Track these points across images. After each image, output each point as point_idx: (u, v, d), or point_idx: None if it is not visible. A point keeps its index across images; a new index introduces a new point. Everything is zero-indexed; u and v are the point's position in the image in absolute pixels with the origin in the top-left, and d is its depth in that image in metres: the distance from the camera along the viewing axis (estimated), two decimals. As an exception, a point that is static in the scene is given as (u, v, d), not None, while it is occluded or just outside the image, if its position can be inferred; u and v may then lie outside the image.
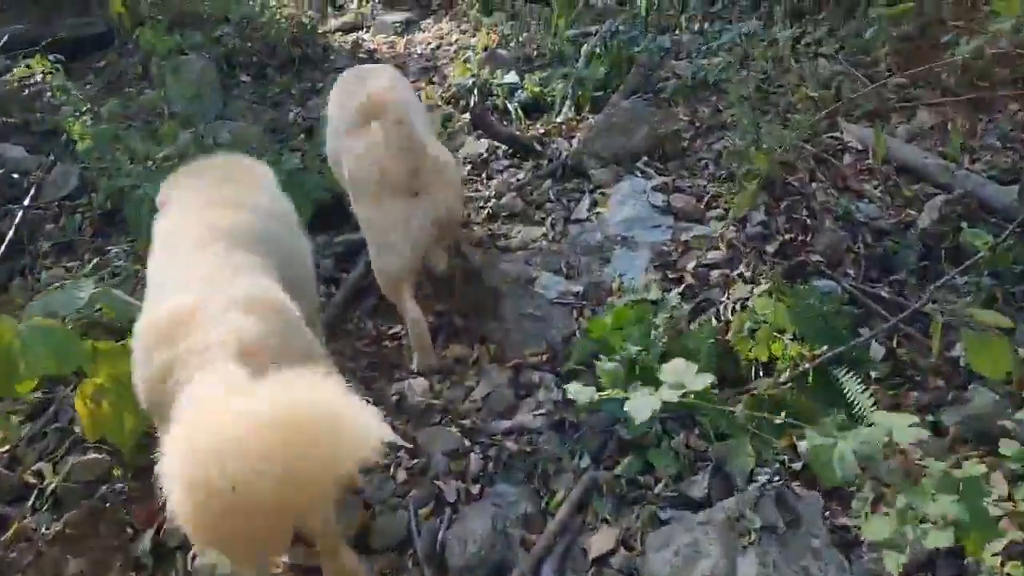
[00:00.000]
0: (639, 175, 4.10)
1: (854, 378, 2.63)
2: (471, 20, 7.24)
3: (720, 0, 6.00)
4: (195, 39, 6.72)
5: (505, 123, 5.06)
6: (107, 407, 2.65)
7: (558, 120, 4.76)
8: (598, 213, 3.89)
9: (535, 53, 6.03)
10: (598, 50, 5.20)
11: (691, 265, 3.43)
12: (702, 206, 3.79)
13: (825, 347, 2.72)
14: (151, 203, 4.02)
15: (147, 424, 2.72)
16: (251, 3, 7.36)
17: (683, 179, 4.01)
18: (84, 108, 5.14)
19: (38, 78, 5.46)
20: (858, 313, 3.02)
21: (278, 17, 7.45)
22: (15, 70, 5.57)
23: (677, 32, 5.85)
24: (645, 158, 4.20)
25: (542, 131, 4.73)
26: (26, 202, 4.87)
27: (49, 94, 5.57)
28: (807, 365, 2.70)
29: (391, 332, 3.58)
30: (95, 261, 4.23)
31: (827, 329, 2.81)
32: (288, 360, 1.82)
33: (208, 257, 2.26)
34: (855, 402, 2.58)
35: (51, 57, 5.31)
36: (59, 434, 3.11)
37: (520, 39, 6.25)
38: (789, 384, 2.68)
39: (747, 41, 5.12)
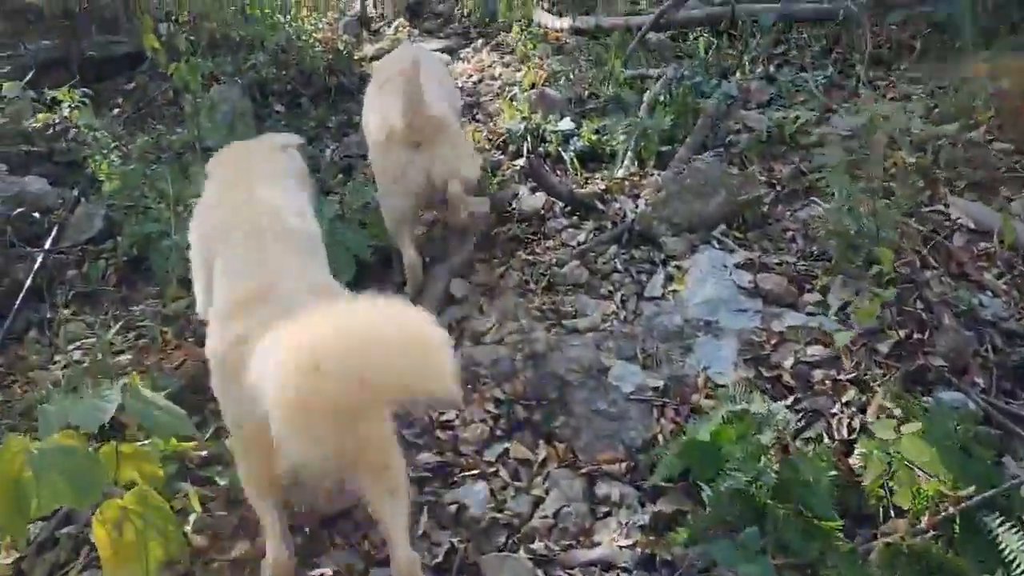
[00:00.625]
0: (717, 246, 3.67)
1: (1012, 530, 2.19)
2: (515, 52, 6.82)
3: (786, 41, 5.56)
4: (228, 66, 6.35)
5: (559, 174, 4.64)
6: (131, 535, 2.23)
7: (620, 175, 4.33)
8: (674, 291, 3.45)
9: (586, 93, 5.61)
10: (662, 97, 4.77)
11: (789, 362, 2.99)
12: (794, 288, 3.34)
13: (971, 487, 2.29)
14: (180, 252, 3.66)
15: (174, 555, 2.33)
16: (287, 28, 6.98)
17: (768, 254, 3.57)
18: (112, 145, 4.73)
19: (65, 112, 5.06)
20: (995, 435, 2.58)
21: (312, 42, 7.08)
22: (39, 115, 5.18)
23: (740, 74, 5.42)
24: (723, 227, 3.77)
25: (603, 186, 4.29)
26: (47, 245, 4.47)
27: (75, 130, 5.17)
28: (951, 509, 2.26)
29: (445, 420, 3.15)
30: (119, 323, 3.82)
31: (970, 462, 2.37)
32: None
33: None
34: (1016, 562, 2.14)
35: (79, 92, 4.91)
36: (72, 542, 2.69)
37: (570, 76, 5.82)
38: (931, 534, 2.24)
39: (823, 89, 4.68)
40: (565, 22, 6.99)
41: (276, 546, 2.23)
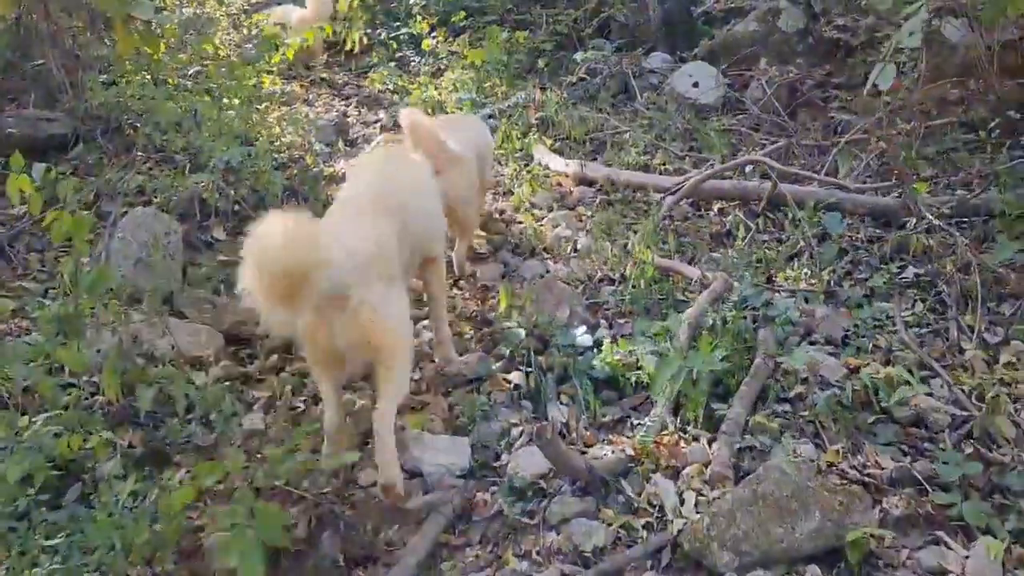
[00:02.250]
0: (808, 601, 2.34)
1: None
2: (512, 198, 5.55)
3: (856, 250, 4.35)
4: (160, 182, 4.95)
5: (565, 403, 3.32)
6: None
7: (651, 438, 2.98)
8: None
9: (599, 273, 4.33)
10: (712, 320, 3.48)
11: None
12: None
13: None
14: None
15: None
16: (244, 135, 5.63)
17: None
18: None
19: None
20: None
21: (273, 149, 5.75)
22: None
23: (785, 275, 4.20)
24: (815, 568, 2.44)
25: (630, 450, 2.95)
26: None
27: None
28: None
29: None
30: None
31: None
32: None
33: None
34: None
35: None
36: None
37: (589, 258, 4.53)
38: None
39: (915, 337, 3.45)
40: (572, 166, 5.77)
41: (332, 412, 3.01)
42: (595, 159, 6.15)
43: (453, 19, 8.61)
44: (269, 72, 7.59)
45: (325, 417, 3.01)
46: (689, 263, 4.50)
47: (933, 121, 5.48)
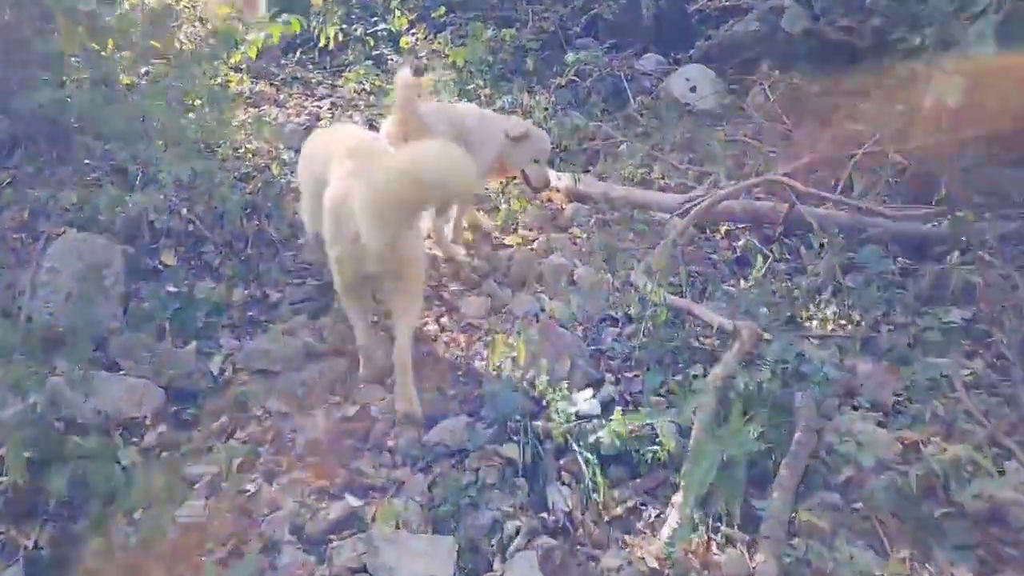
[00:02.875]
0: None
1: None
2: (498, 215, 4.93)
3: (888, 286, 3.77)
4: (103, 198, 4.25)
5: (567, 482, 2.72)
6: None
7: (673, 547, 2.38)
8: None
9: (601, 311, 3.73)
10: (744, 384, 2.87)
11: None
12: None
13: None
14: None
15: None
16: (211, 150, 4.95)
17: None
18: None
19: None
20: None
21: (241, 154, 5.08)
22: None
23: (808, 311, 3.63)
24: None
25: (653, 561, 2.36)
26: None
27: None
28: None
29: None
30: None
31: None
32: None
33: None
34: None
35: None
36: None
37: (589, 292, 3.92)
38: None
39: (982, 409, 2.88)
40: (565, 180, 5.15)
41: (364, 334, 3.30)
42: (588, 171, 5.55)
43: (434, 14, 7.94)
44: (237, 70, 6.90)
45: (358, 338, 3.32)
46: (700, 295, 3.93)
47: (963, 135, 4.89)
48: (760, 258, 4.00)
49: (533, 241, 4.55)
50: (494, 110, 6.10)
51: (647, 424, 2.73)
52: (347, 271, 3.14)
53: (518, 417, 2.90)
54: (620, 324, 3.64)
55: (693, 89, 6.53)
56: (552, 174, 5.08)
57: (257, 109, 6.97)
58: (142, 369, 3.27)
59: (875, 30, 6.56)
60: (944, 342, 3.29)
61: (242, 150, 5.51)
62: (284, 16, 5.25)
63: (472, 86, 6.77)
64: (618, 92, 6.93)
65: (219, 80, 6.59)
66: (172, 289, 3.94)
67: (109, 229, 4.21)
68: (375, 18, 8.26)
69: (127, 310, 3.69)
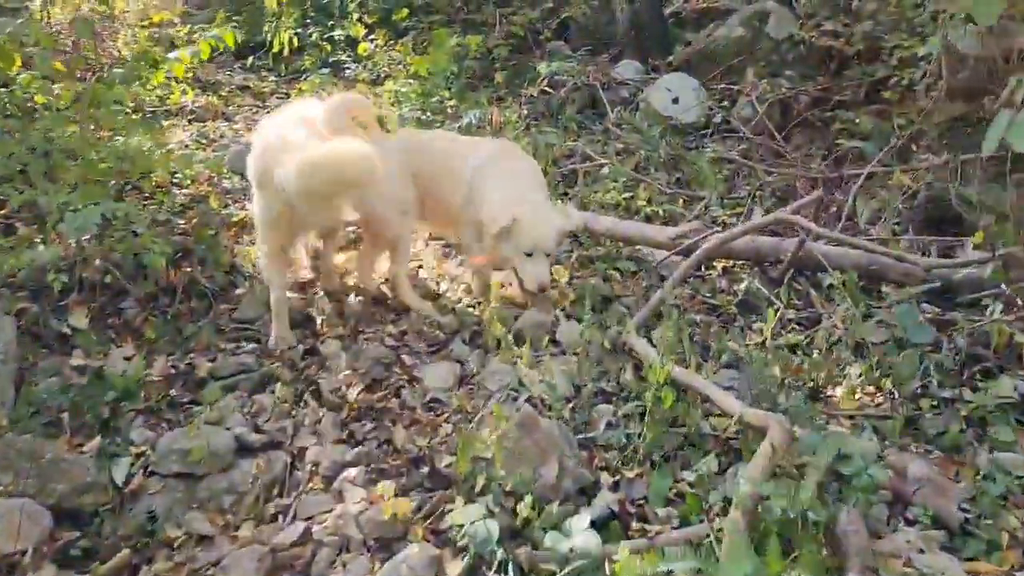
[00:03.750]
0: None
1: None
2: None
3: (949, 345, 3.14)
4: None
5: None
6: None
7: None
8: None
9: (589, 382, 3.06)
10: (782, 510, 2.22)
11: None
12: None
13: None
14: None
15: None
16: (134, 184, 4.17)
17: None
18: None
19: None
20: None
21: (178, 180, 4.32)
22: None
23: (839, 394, 3.01)
24: None
25: None
26: None
27: None
28: None
29: None
30: None
31: None
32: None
33: None
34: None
35: None
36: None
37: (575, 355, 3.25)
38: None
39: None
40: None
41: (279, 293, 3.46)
42: (566, 195, 4.87)
43: (395, 17, 7.20)
44: (178, 81, 6.10)
45: (272, 298, 3.43)
46: (703, 352, 3.28)
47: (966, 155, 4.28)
48: (771, 311, 3.34)
49: (504, 286, 3.83)
50: (460, 127, 5.39)
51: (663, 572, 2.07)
52: (277, 236, 3.44)
53: (495, 549, 2.22)
54: (613, 399, 2.97)
55: (676, 101, 5.88)
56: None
57: (201, 124, 6.20)
58: (26, 485, 2.53)
59: (864, 35, 5.96)
60: (1003, 423, 2.68)
61: (179, 175, 4.76)
62: (215, 32, 4.45)
63: (436, 98, 6.05)
64: (593, 103, 6.27)
65: (152, 96, 5.83)
66: (79, 363, 3.20)
67: (9, 284, 3.47)
68: (331, 22, 7.50)
69: (16, 397, 2.94)
